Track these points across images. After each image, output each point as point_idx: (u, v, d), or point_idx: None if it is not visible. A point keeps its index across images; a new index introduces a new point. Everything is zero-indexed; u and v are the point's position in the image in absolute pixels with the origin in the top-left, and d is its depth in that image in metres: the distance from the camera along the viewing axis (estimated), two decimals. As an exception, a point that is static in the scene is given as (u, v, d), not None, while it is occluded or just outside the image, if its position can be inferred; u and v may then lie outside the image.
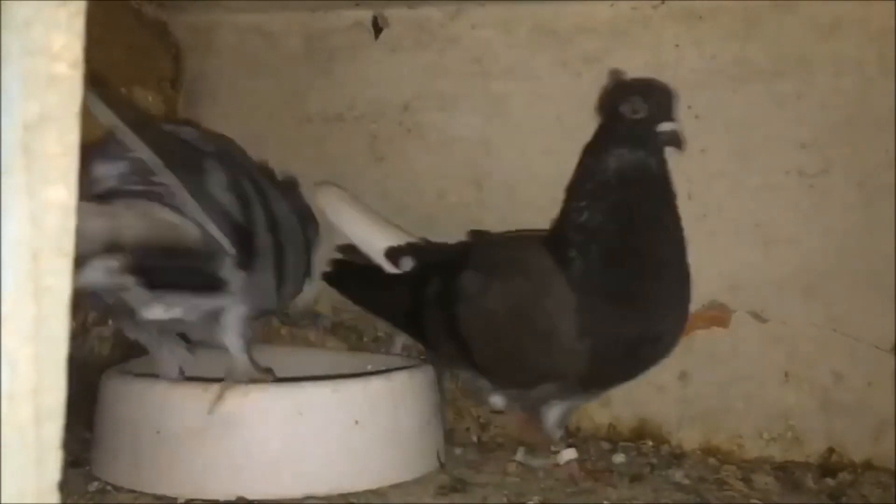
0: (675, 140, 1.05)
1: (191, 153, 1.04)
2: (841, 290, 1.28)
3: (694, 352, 1.35)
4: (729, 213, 1.34)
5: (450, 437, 1.26)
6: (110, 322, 1.34)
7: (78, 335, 1.27)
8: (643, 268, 1.06)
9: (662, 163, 1.08)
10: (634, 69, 1.36)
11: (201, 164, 1.03)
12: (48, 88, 0.44)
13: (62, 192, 0.44)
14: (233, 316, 1.08)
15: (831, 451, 1.29)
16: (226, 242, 1.00)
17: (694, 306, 1.34)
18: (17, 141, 0.43)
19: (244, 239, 1.04)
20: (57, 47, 0.44)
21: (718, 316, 1.34)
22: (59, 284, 0.45)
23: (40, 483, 0.44)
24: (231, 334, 1.09)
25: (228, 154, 1.13)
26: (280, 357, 1.32)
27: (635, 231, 1.06)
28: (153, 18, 1.47)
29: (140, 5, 1.43)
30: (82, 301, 1.27)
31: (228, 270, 1.03)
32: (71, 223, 0.45)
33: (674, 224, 1.09)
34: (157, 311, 1.02)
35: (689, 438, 1.35)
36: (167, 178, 0.95)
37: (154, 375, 1.14)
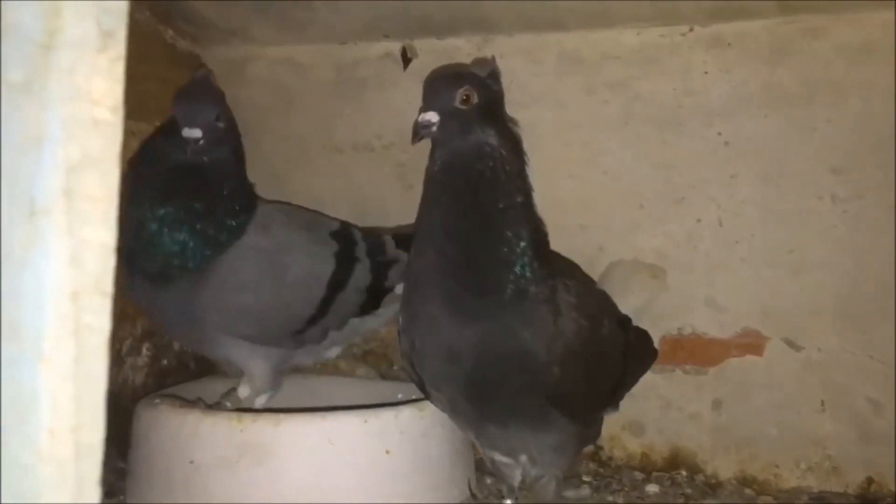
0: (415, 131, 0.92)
1: None
2: (876, 317, 1.26)
3: (727, 380, 1.34)
4: (761, 240, 1.32)
5: (481, 466, 1.25)
6: (144, 351, 1.36)
7: (112, 365, 1.28)
8: (420, 276, 0.95)
9: (450, 164, 0.92)
10: (662, 96, 1.37)
11: None
12: (90, 132, 0.45)
13: (103, 232, 0.45)
14: None
15: (870, 480, 1.26)
16: None
17: (728, 334, 1.34)
18: (58, 183, 0.44)
19: None
20: (98, 93, 0.45)
21: (752, 343, 1.33)
22: (99, 323, 0.45)
23: (79, 519, 0.44)
24: None
25: None
26: (310, 385, 1.33)
27: (419, 238, 0.95)
28: (187, 52, 1.50)
29: (174, 39, 1.45)
30: (116, 333, 1.29)
31: None
32: (111, 263, 0.46)
33: (457, 229, 0.91)
34: None
35: (724, 468, 1.33)
36: None
37: (187, 405, 1.15)
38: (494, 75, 0.97)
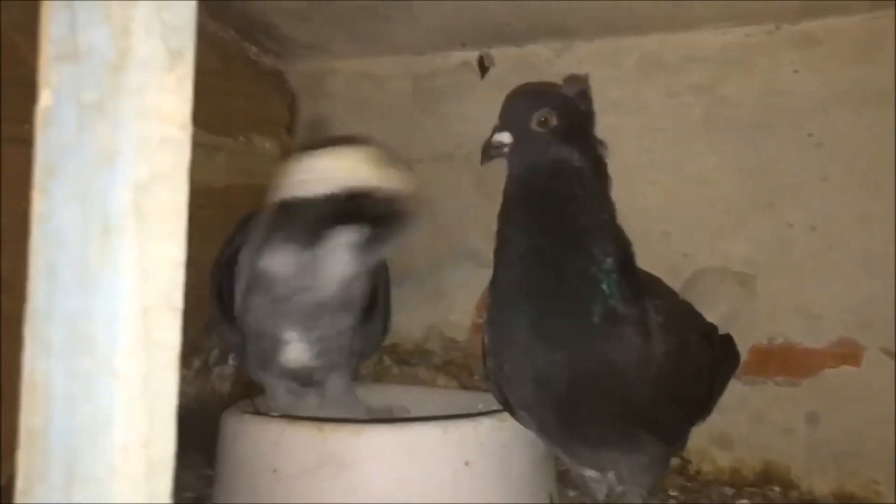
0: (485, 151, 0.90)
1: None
2: (985, 325, 1.19)
3: (823, 392, 1.28)
4: (856, 245, 1.26)
5: (563, 478, 1.23)
6: (231, 360, 1.39)
7: (199, 374, 1.31)
8: (505, 297, 0.91)
9: (535, 177, 0.89)
10: (749, 97, 1.32)
11: None
12: (159, 150, 0.46)
13: (172, 248, 0.46)
14: None
15: (978, 498, 1.19)
16: None
17: (822, 343, 1.28)
18: (129, 201, 0.45)
19: None
20: (167, 110, 0.46)
21: (849, 353, 1.27)
22: (169, 339, 0.46)
23: (151, 533, 0.45)
24: None
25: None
26: (390, 395, 1.33)
27: (502, 257, 0.91)
28: (270, 68, 1.53)
29: (258, 56, 1.49)
30: (203, 342, 1.32)
31: None
32: (180, 278, 0.47)
33: (540, 249, 0.88)
34: None
35: (820, 484, 1.27)
36: None
37: (270, 415, 1.17)
38: (584, 96, 0.94)
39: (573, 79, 0.99)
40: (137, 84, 0.45)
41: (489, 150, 0.90)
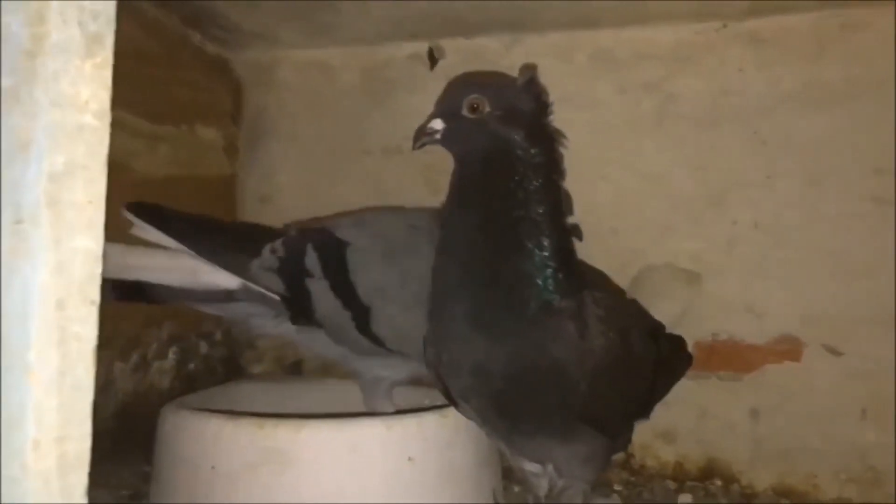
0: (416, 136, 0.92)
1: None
2: (922, 323, 1.21)
3: (765, 388, 1.30)
4: (801, 243, 1.28)
5: (508, 474, 1.23)
6: (170, 356, 1.36)
7: (138, 369, 1.28)
8: (445, 288, 0.91)
9: (471, 163, 0.89)
10: (697, 94, 1.33)
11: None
12: (75, 139, 0.44)
13: (88, 240, 0.44)
14: None
15: (914, 492, 1.21)
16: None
17: (765, 339, 1.30)
18: (42, 192, 0.43)
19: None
20: (84, 98, 0.44)
21: (790, 350, 1.29)
22: (86, 332, 0.44)
23: (65, 533, 0.43)
24: None
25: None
26: (335, 391, 1.31)
27: (442, 248, 0.92)
28: (215, 56, 1.50)
29: (202, 44, 1.45)
30: (142, 337, 1.29)
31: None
32: (97, 271, 0.45)
33: (476, 240, 0.88)
34: None
35: (760, 478, 1.29)
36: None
37: (210, 410, 1.15)
38: (532, 83, 0.93)
39: (523, 68, 0.98)
40: (53, 71, 0.44)
41: (420, 136, 0.90)
